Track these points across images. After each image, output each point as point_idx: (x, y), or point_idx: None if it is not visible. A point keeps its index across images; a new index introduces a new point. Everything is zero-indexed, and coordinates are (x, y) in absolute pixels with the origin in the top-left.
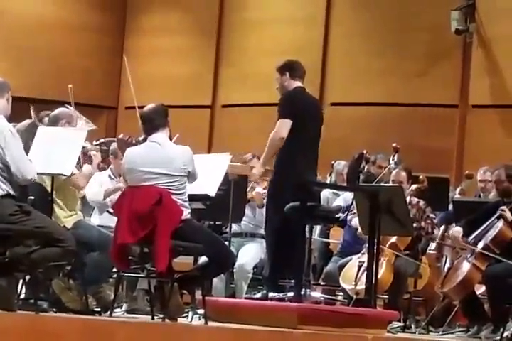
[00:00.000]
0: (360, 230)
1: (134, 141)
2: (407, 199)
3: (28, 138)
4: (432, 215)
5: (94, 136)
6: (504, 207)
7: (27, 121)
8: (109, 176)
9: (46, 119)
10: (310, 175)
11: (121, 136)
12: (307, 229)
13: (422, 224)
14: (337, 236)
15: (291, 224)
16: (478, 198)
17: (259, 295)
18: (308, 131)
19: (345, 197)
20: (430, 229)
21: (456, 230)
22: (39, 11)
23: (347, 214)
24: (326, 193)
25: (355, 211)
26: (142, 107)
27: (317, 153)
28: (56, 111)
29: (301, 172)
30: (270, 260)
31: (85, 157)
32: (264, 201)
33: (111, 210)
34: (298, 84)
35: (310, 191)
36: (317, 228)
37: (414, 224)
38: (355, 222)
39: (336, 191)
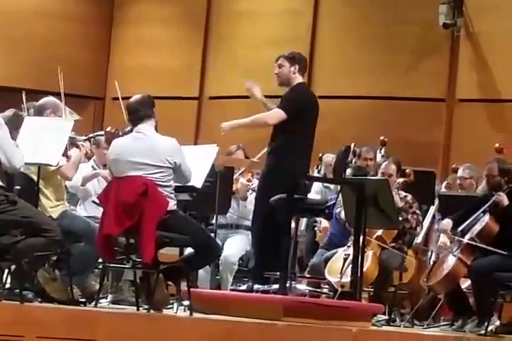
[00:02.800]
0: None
1: (120, 133)
2: (394, 192)
3: (11, 128)
4: (418, 212)
5: (81, 126)
6: (501, 193)
7: (9, 111)
8: (93, 167)
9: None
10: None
11: (108, 128)
12: (293, 221)
13: (409, 216)
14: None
15: (278, 217)
16: (464, 192)
17: (244, 287)
18: (306, 128)
19: None
20: (414, 225)
21: (446, 223)
22: (26, 1)
23: (333, 207)
24: (320, 186)
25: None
26: (128, 98)
27: (311, 149)
28: (41, 101)
29: (295, 170)
30: (256, 252)
31: (72, 147)
32: (248, 193)
33: (96, 200)
34: (301, 79)
35: (300, 185)
36: (303, 220)
37: (401, 217)
38: (343, 214)
39: (327, 184)
